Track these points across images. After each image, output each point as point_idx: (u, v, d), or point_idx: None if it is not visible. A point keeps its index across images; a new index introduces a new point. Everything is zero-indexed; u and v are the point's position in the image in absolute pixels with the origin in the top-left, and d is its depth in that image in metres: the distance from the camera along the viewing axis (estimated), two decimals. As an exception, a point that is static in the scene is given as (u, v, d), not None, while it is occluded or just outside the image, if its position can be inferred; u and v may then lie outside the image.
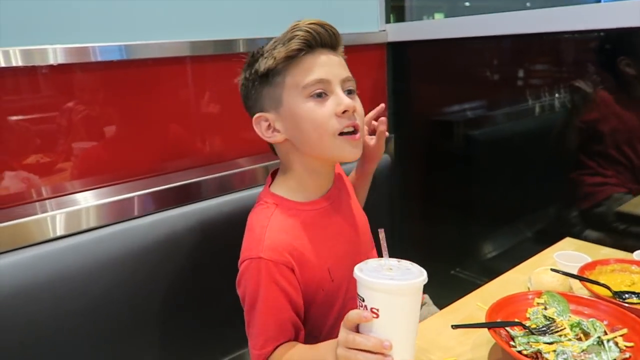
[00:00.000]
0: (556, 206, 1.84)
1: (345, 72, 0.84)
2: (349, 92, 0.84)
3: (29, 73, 0.93)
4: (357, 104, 0.84)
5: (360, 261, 0.97)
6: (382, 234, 0.73)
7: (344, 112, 0.80)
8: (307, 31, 0.80)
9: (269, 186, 0.92)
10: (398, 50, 1.64)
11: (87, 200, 1.00)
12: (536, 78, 1.88)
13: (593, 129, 1.71)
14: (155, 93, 1.11)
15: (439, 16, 1.96)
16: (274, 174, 0.94)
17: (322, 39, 0.81)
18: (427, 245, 1.88)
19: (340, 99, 0.81)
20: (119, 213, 1.01)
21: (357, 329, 0.68)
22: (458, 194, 1.83)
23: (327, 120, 0.80)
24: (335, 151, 0.83)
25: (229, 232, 1.09)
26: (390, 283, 0.64)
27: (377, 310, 0.65)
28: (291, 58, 0.80)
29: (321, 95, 0.81)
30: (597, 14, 1.36)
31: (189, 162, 1.19)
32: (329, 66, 0.81)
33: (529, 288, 0.97)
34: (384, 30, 1.59)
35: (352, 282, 0.90)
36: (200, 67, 1.17)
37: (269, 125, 0.85)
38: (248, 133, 1.28)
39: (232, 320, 1.12)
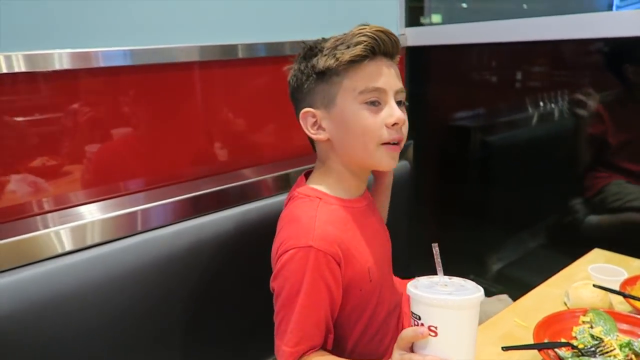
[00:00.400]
0: (572, 213, 1.82)
1: (400, 84, 0.84)
2: (400, 104, 0.84)
3: (31, 79, 0.90)
4: (405, 116, 0.84)
5: (390, 266, 0.96)
6: (436, 248, 0.72)
7: (394, 124, 0.81)
8: (373, 38, 0.80)
9: (306, 182, 0.91)
10: (416, 55, 1.61)
11: (93, 213, 0.96)
12: (553, 84, 1.86)
13: (604, 138, 1.71)
14: (163, 100, 1.07)
15: (436, 17, 1.95)
16: (307, 174, 0.93)
17: (385, 47, 0.82)
18: (442, 252, 1.85)
19: (392, 111, 0.81)
20: (130, 226, 0.97)
21: (411, 350, 0.65)
22: (475, 200, 1.81)
23: (377, 129, 0.81)
24: (375, 160, 0.84)
25: (249, 242, 1.08)
26: (449, 298, 0.62)
27: (436, 328, 0.62)
28: (354, 62, 0.80)
29: (375, 104, 0.81)
30: (620, 21, 1.33)
31: (202, 171, 1.15)
32: (387, 76, 0.82)
33: (565, 303, 0.94)
34: (403, 34, 1.56)
35: (385, 287, 0.91)
36: (209, 72, 1.13)
37: (316, 121, 0.85)
38: (264, 139, 1.27)
39: (253, 331, 1.10)
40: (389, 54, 0.83)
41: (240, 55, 1.17)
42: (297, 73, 0.86)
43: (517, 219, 1.86)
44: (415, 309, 0.65)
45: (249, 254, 1.07)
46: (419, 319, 0.64)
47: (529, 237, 1.93)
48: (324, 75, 0.82)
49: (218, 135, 1.19)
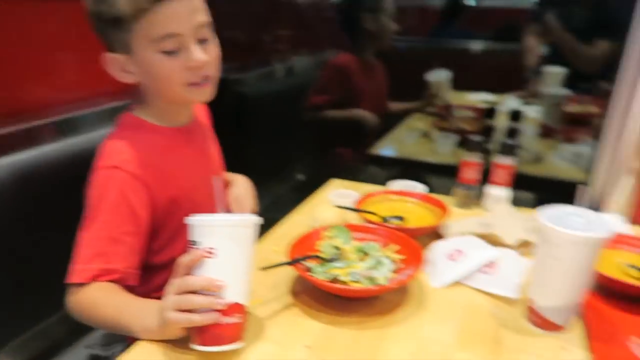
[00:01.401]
0: (316, 154, 2.03)
1: (199, 17, 0.79)
2: (204, 41, 0.81)
3: None
4: (210, 53, 0.82)
5: (215, 200, 0.97)
6: (217, 181, 0.78)
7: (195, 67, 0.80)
8: None
9: (131, 111, 0.90)
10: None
11: None
12: (304, 41, 1.99)
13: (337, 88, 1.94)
14: None
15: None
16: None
17: None
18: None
19: (191, 54, 0.78)
20: None
21: None
22: (231, 150, 1.85)
23: (177, 73, 0.79)
24: (184, 99, 0.85)
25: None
26: (228, 217, 0.66)
27: (212, 249, 0.63)
28: (140, 11, 0.73)
29: (173, 52, 0.78)
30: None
31: None
32: (181, 17, 0.76)
33: (313, 226, 1.05)
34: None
35: None
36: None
37: (121, 66, 0.82)
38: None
39: (33, 288, 1.02)
40: None
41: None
42: (90, 13, 0.78)
43: (273, 164, 1.99)
44: (192, 235, 0.64)
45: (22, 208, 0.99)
46: (195, 244, 0.63)
47: (279, 182, 2.09)
48: (114, 22, 0.75)
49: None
